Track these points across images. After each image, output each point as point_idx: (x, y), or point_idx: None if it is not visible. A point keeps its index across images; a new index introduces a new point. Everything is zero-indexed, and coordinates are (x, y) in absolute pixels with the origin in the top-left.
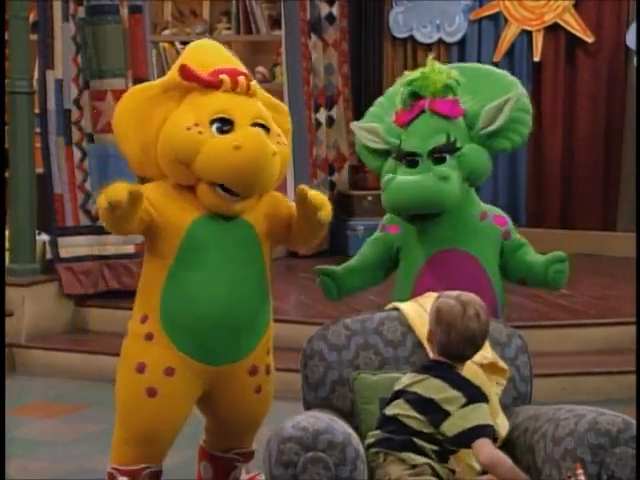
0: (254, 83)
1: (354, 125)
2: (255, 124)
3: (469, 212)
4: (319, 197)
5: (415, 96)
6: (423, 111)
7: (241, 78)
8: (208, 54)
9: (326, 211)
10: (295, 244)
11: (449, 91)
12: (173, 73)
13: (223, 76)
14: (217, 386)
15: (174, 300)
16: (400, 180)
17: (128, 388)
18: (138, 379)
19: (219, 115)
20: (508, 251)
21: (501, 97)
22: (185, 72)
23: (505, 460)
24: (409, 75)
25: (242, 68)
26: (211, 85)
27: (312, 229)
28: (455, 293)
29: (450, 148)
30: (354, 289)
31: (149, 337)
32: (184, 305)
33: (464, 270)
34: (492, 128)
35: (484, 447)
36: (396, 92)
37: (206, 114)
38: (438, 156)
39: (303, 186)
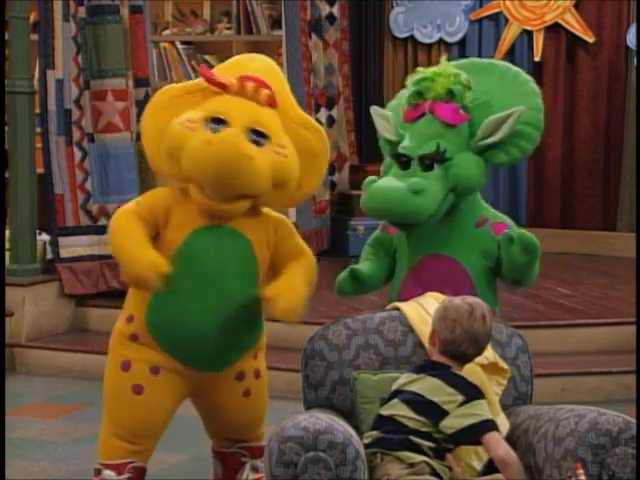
0: (270, 92)
1: (372, 109)
2: (251, 129)
3: (464, 218)
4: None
5: (420, 96)
6: (425, 113)
7: (250, 83)
8: (249, 65)
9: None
10: None
11: (452, 97)
12: (199, 79)
13: (231, 79)
14: (203, 390)
15: (161, 307)
16: (376, 187)
17: (114, 385)
18: (124, 377)
19: (213, 114)
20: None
21: (517, 105)
22: (201, 71)
23: (518, 460)
24: (420, 73)
25: (271, 80)
26: (220, 86)
27: None
28: (462, 296)
29: (438, 158)
30: (370, 291)
31: (133, 338)
32: (171, 313)
33: (448, 276)
34: (490, 141)
35: (500, 441)
36: None
37: (203, 112)
38: (427, 163)
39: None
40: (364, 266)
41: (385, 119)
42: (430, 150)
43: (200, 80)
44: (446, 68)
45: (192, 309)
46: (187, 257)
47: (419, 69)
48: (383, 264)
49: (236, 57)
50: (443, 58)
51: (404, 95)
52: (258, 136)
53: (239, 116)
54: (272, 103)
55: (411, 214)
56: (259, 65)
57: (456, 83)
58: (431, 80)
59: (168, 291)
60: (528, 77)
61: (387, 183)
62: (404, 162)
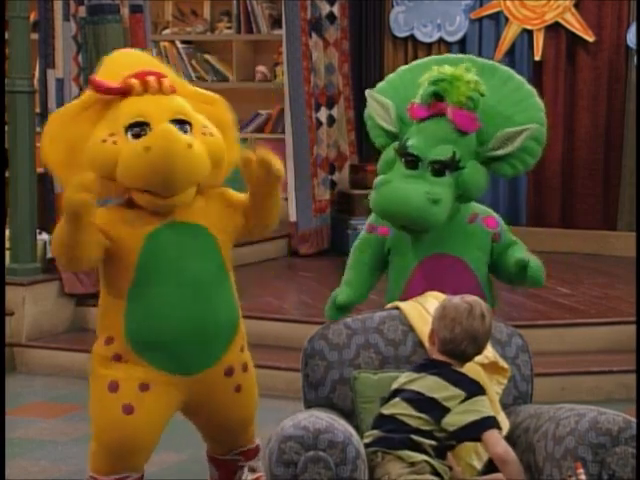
0: (168, 79)
1: (369, 93)
2: (174, 121)
3: (457, 216)
4: (264, 154)
5: (436, 97)
6: (439, 114)
7: (150, 78)
8: (124, 63)
9: (278, 163)
10: (255, 229)
11: (471, 104)
12: (89, 90)
13: (131, 80)
14: (196, 394)
15: (138, 319)
16: (392, 189)
17: (103, 408)
18: (112, 398)
19: (133, 120)
20: (497, 252)
21: (521, 120)
22: (93, 84)
23: (517, 458)
24: (438, 73)
25: (159, 68)
26: (121, 92)
27: (268, 197)
28: (461, 295)
29: (453, 166)
30: (360, 302)
31: (117, 358)
32: (148, 322)
33: (453, 275)
34: (500, 153)
35: (500, 439)
36: (423, 68)
37: (120, 122)
38: (438, 168)
39: (245, 154)
40: (347, 287)
41: (383, 107)
42: (445, 156)
43: (90, 92)
44: (465, 73)
45: (167, 312)
46: (148, 265)
47: (435, 67)
48: (369, 272)
49: (107, 58)
50: (463, 65)
51: (395, 80)
52: (182, 124)
53: (157, 113)
54: (174, 90)
55: (424, 221)
56: (137, 57)
57: (476, 91)
58: (449, 83)
59: (140, 302)
60: (532, 89)
61: (403, 186)
62: (411, 161)
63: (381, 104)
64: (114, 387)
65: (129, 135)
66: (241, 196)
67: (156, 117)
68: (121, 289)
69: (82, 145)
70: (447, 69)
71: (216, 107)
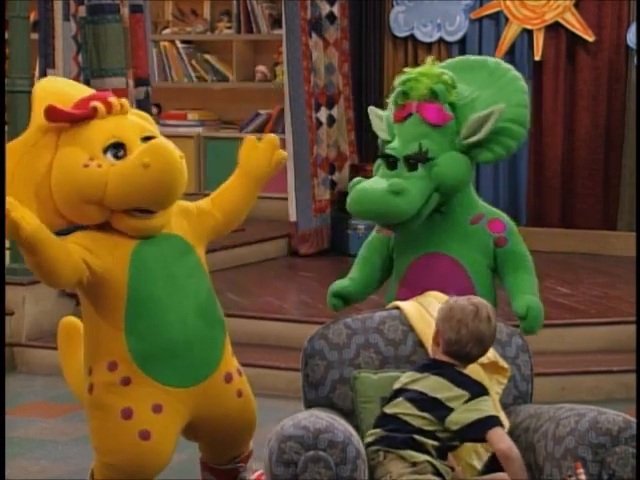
0: (125, 100)
1: (369, 109)
2: (144, 138)
3: (459, 215)
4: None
5: (405, 96)
6: (412, 113)
7: (112, 99)
8: (61, 88)
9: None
10: (229, 223)
11: (435, 96)
12: (39, 119)
13: (95, 103)
14: (202, 407)
15: (140, 336)
16: (359, 188)
17: (117, 437)
18: (127, 425)
19: (110, 142)
20: (499, 259)
21: (502, 102)
22: (53, 113)
23: (520, 455)
24: (406, 73)
25: (95, 92)
26: (85, 117)
27: (258, 183)
28: (467, 296)
29: (420, 158)
30: (363, 299)
31: (126, 382)
32: (154, 338)
33: (447, 274)
34: (473, 139)
35: (504, 436)
36: None
37: (96, 146)
38: (412, 163)
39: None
40: (349, 279)
41: (380, 119)
42: (412, 150)
43: (41, 120)
44: (431, 68)
45: (168, 323)
46: (141, 281)
47: (406, 69)
48: (372, 270)
49: (39, 93)
50: (429, 58)
51: None
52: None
53: (128, 132)
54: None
55: (390, 214)
56: (66, 83)
57: (439, 82)
58: (415, 80)
59: (140, 320)
60: (518, 74)
61: (369, 184)
62: (391, 162)
63: (378, 117)
64: (128, 414)
65: (109, 157)
66: (191, 203)
67: (129, 137)
68: (115, 312)
69: (47, 175)
70: (415, 69)
71: (150, 123)
